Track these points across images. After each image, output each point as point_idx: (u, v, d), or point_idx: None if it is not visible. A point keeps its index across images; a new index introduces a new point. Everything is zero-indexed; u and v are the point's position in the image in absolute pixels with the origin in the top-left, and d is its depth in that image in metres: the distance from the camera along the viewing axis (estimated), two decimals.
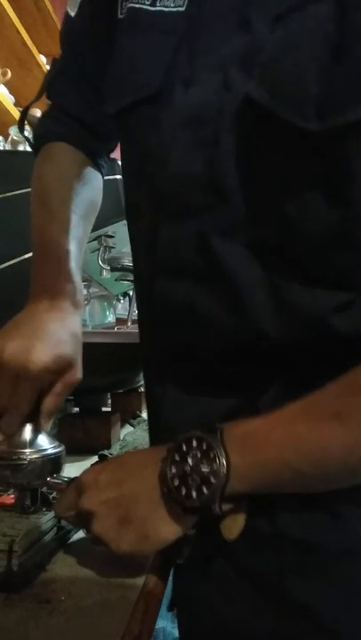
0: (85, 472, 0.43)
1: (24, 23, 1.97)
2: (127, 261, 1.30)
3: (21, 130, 0.66)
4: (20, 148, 1.30)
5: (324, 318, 0.38)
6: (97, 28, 0.53)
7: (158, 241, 0.43)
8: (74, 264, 0.55)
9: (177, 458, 0.38)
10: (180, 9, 0.41)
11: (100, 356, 0.81)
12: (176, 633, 1.18)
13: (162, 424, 0.49)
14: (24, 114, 0.65)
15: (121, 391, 1.08)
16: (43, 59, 2.24)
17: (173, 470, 0.38)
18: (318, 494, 0.40)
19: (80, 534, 0.50)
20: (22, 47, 2.02)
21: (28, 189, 0.61)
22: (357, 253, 0.37)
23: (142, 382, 1.03)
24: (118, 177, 0.92)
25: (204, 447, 0.37)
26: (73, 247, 0.56)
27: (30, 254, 0.58)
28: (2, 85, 1.96)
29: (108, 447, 0.83)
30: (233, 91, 0.37)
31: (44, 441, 0.50)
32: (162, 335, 0.47)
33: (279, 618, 0.42)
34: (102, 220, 0.98)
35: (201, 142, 0.39)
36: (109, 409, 1.10)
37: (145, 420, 1.15)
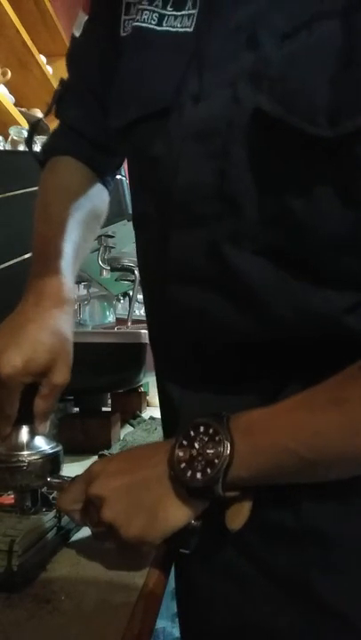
0: (94, 463, 0.45)
1: (24, 23, 1.96)
2: (127, 261, 1.30)
3: (29, 145, 0.67)
4: (20, 147, 1.30)
5: (335, 317, 0.39)
6: (101, 47, 0.54)
7: (169, 249, 0.44)
8: (64, 263, 0.55)
9: (185, 443, 0.40)
10: (188, 29, 0.43)
11: (100, 356, 0.81)
12: (176, 633, 1.18)
13: (175, 424, 0.50)
14: (32, 131, 0.67)
15: (121, 391, 1.08)
16: (43, 59, 2.24)
17: (181, 454, 0.40)
18: (343, 487, 0.40)
19: (80, 534, 0.51)
20: (22, 47, 2.02)
21: (28, 189, 0.62)
22: None
23: (142, 382, 1.03)
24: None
25: (211, 432, 0.39)
26: (67, 248, 0.56)
27: (29, 254, 0.58)
28: (2, 85, 1.96)
29: (108, 447, 0.83)
30: (242, 104, 0.38)
31: (41, 442, 0.50)
32: (173, 338, 0.49)
33: (302, 615, 0.42)
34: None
35: (211, 154, 0.40)
36: (109, 409, 1.10)
37: (145, 420, 1.16)
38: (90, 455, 0.79)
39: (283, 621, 0.42)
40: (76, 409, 0.96)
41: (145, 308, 0.56)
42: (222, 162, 0.39)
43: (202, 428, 0.40)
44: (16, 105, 1.99)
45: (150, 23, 0.45)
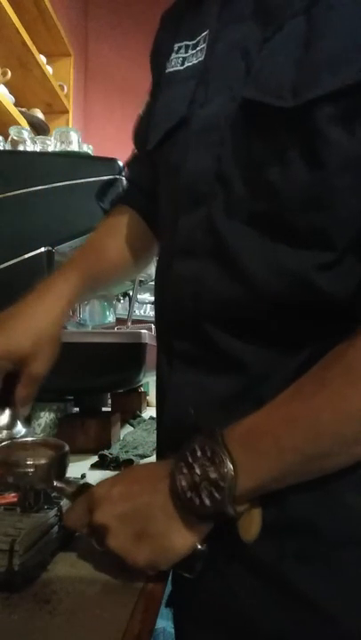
0: (97, 486, 0.44)
1: (24, 23, 1.96)
2: None
3: (101, 199, 0.80)
4: (20, 147, 1.30)
5: (308, 277, 0.42)
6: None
7: (177, 229, 0.50)
8: (77, 273, 0.62)
9: (185, 470, 0.39)
10: (200, 59, 0.51)
11: (100, 356, 0.81)
12: None
13: (166, 406, 0.51)
14: (105, 186, 0.80)
15: (121, 391, 1.08)
16: (43, 59, 2.24)
17: (183, 483, 0.39)
18: (321, 479, 0.40)
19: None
20: (22, 47, 2.02)
21: (28, 189, 0.62)
22: (332, 213, 0.41)
23: (142, 382, 1.03)
24: (119, 177, 0.93)
25: (209, 454, 0.39)
26: (87, 265, 0.64)
27: (30, 254, 0.59)
28: (2, 85, 1.96)
29: (108, 447, 0.83)
30: (236, 100, 0.45)
31: (19, 426, 0.52)
32: (170, 312, 0.51)
33: (284, 609, 0.42)
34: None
35: (211, 144, 0.47)
36: (109, 409, 1.10)
37: (145, 420, 1.16)
38: (90, 455, 0.79)
39: (265, 615, 0.43)
40: (76, 409, 0.96)
41: (154, 293, 0.60)
42: (219, 149, 0.46)
43: (199, 453, 0.39)
44: (16, 105, 1.99)
45: (176, 67, 0.54)
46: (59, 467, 0.49)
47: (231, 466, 0.38)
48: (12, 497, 0.51)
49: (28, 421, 0.55)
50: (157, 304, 0.58)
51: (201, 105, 0.49)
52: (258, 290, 0.44)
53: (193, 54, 0.53)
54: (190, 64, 0.53)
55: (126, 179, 0.78)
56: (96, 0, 3.27)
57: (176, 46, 0.56)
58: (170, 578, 0.48)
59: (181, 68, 0.54)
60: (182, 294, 0.49)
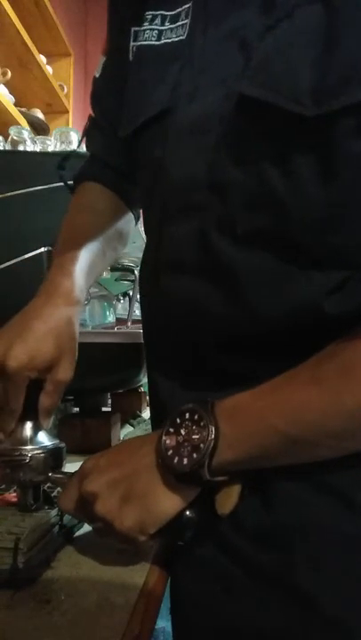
0: (86, 460, 0.45)
1: (24, 23, 1.96)
2: (127, 261, 1.30)
3: (60, 175, 0.72)
4: (20, 147, 1.29)
5: (316, 301, 0.39)
6: (116, 80, 0.58)
7: (162, 241, 0.47)
8: (78, 267, 0.58)
9: (171, 430, 0.41)
10: (182, 37, 0.46)
11: (100, 356, 0.81)
12: None
13: (163, 418, 0.50)
14: (64, 160, 0.71)
15: (121, 391, 1.08)
16: (43, 59, 2.24)
17: (168, 442, 0.40)
18: (330, 479, 0.40)
19: (83, 531, 0.51)
20: (22, 47, 2.02)
21: (28, 189, 0.62)
22: (350, 233, 0.38)
23: (142, 382, 1.03)
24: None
25: (196, 417, 0.40)
26: (83, 255, 0.59)
27: (29, 254, 0.59)
28: (2, 85, 1.96)
29: (108, 447, 0.83)
30: (232, 99, 0.40)
31: (44, 437, 0.50)
32: (164, 330, 0.49)
33: (287, 614, 0.41)
34: None
35: (204, 148, 0.42)
36: (109, 409, 1.10)
37: (145, 420, 1.16)
38: (90, 455, 0.79)
39: (267, 621, 0.42)
40: (76, 409, 0.96)
41: (140, 304, 0.57)
42: (214, 155, 0.41)
43: (187, 415, 0.40)
44: (16, 105, 1.99)
45: (150, 40, 0.48)
46: (54, 459, 0.49)
47: (214, 433, 0.39)
48: (13, 496, 0.51)
49: (52, 432, 0.53)
50: (146, 319, 0.55)
51: (189, 97, 0.44)
52: (258, 314, 0.42)
53: (171, 29, 0.47)
54: (169, 41, 0.47)
55: (88, 149, 0.70)
56: (96, 0, 3.26)
57: (150, 14, 0.49)
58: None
59: (157, 43, 0.48)
60: (176, 314, 0.47)
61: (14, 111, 1.89)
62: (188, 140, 0.43)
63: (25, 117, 1.98)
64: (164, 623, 1.17)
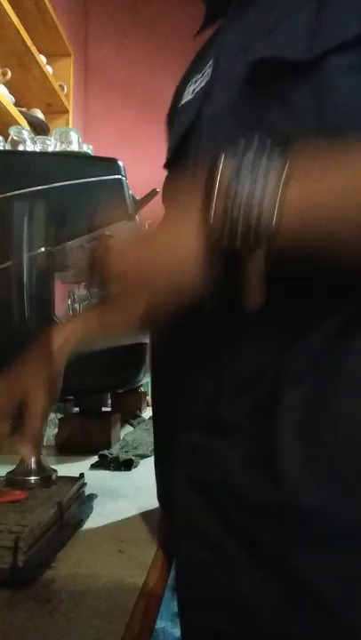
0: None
1: (24, 23, 1.96)
2: None
3: None
4: (20, 147, 1.29)
5: None
6: None
7: None
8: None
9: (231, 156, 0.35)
10: (207, 79, 0.52)
11: (101, 356, 0.81)
12: (176, 633, 1.18)
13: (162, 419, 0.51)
14: None
15: (121, 391, 1.08)
16: (43, 59, 2.24)
17: (227, 169, 0.34)
18: (330, 462, 0.40)
19: (83, 529, 0.51)
20: (22, 47, 2.02)
21: (28, 189, 0.61)
22: None
23: (142, 382, 1.03)
24: (118, 177, 0.92)
25: (268, 146, 0.35)
26: None
27: (29, 254, 0.58)
28: (2, 85, 1.96)
29: (108, 447, 0.83)
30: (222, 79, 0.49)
31: None
32: (178, 395, 0.49)
33: (281, 595, 0.41)
34: (103, 220, 0.98)
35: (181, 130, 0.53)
36: (109, 409, 1.10)
37: (145, 420, 1.16)
38: (90, 455, 0.79)
39: (261, 600, 0.41)
40: (76, 409, 0.96)
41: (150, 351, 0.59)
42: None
43: (256, 142, 0.35)
44: (16, 105, 1.99)
45: (187, 98, 0.56)
46: None
47: (287, 162, 0.34)
48: (13, 495, 0.51)
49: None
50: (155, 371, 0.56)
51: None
52: None
53: (200, 79, 0.54)
54: (199, 88, 0.54)
55: None
56: (96, 0, 3.27)
57: (190, 87, 0.57)
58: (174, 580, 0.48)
59: (191, 97, 0.55)
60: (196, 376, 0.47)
61: (14, 111, 1.89)
62: (173, 132, 0.54)
63: (25, 117, 1.98)
64: (164, 623, 1.17)
